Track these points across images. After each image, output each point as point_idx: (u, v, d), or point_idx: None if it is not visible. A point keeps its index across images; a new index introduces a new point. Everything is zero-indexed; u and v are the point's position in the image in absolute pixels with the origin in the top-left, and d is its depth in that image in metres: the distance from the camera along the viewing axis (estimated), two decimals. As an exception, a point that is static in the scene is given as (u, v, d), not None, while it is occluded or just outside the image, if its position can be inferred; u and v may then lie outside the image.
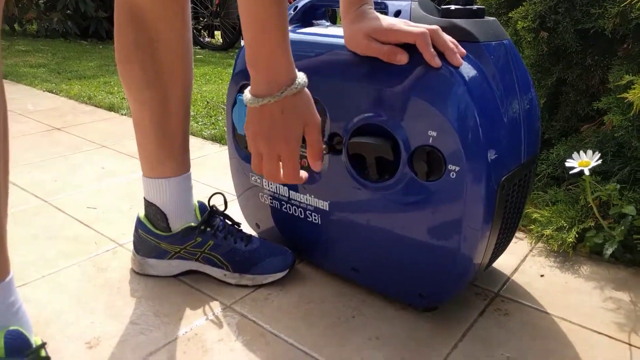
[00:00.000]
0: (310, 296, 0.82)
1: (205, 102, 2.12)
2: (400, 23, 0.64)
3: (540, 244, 0.98)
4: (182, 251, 0.84)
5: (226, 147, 1.12)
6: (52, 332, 0.73)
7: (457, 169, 0.62)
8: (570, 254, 0.94)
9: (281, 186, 0.82)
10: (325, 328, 0.74)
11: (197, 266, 0.85)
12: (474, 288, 0.84)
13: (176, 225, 0.84)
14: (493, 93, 0.64)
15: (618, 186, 0.92)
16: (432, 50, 0.61)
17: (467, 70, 0.62)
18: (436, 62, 0.61)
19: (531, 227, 0.98)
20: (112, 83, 2.47)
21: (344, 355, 0.69)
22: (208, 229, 0.84)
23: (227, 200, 0.89)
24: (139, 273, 0.87)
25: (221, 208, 0.87)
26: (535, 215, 0.98)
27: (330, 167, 0.74)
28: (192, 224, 0.83)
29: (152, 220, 0.84)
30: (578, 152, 0.86)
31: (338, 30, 0.74)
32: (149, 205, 0.84)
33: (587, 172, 0.83)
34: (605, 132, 1.03)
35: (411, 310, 0.78)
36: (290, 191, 0.81)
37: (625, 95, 0.84)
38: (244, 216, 0.95)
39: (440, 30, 0.62)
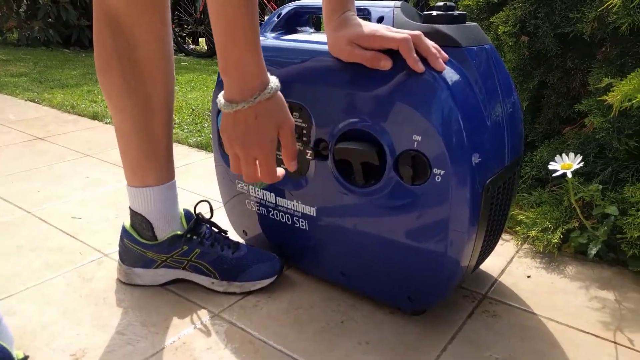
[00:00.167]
0: (299, 302, 0.81)
1: (191, 110, 2.11)
2: (383, 29, 0.64)
3: (526, 245, 0.99)
4: (168, 260, 0.83)
5: (212, 154, 1.11)
6: (38, 344, 0.72)
7: (442, 172, 0.62)
8: (555, 254, 0.95)
9: (268, 193, 0.82)
10: (315, 334, 0.74)
11: (184, 275, 0.84)
12: (462, 290, 0.84)
13: (162, 234, 0.83)
14: (476, 97, 0.65)
15: (600, 187, 0.94)
16: (415, 55, 0.62)
17: (450, 75, 0.63)
18: (419, 67, 0.62)
19: (517, 228, 1.00)
20: (95, 92, 2.44)
21: (334, 360, 0.69)
22: (194, 237, 0.83)
23: (214, 207, 0.89)
24: (125, 283, 0.86)
25: (207, 216, 0.87)
26: (520, 217, 1.00)
27: (317, 173, 0.74)
28: (178, 232, 0.83)
29: (137, 230, 0.84)
30: (560, 155, 0.88)
31: (322, 37, 0.74)
32: (134, 214, 0.83)
33: (569, 175, 0.85)
34: (586, 134, 1.05)
35: (400, 314, 0.78)
36: (277, 197, 0.81)
37: (605, 97, 0.86)
38: (231, 223, 0.95)
39: (422, 36, 0.63)
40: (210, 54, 4.03)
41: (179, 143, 1.67)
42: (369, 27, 0.65)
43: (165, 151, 0.82)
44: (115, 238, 0.95)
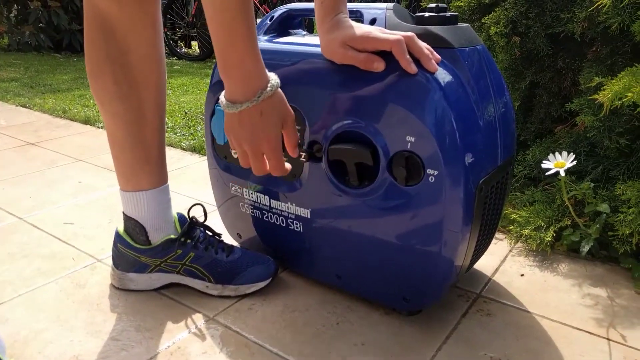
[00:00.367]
0: (295, 304, 0.81)
1: (184, 113, 2.10)
2: (376, 31, 0.65)
3: (519, 244, 0.99)
4: (162, 264, 0.83)
5: (205, 157, 1.11)
6: (31, 351, 0.71)
7: (436, 173, 0.62)
8: (548, 252, 0.95)
9: (262, 195, 0.82)
10: (310, 336, 0.74)
11: (178, 279, 0.84)
12: (456, 290, 0.84)
13: (156, 238, 0.83)
14: (469, 97, 0.65)
15: (592, 185, 0.94)
16: (408, 57, 0.62)
17: (443, 76, 0.63)
18: (412, 68, 0.62)
19: (510, 227, 1.00)
20: (87, 96, 2.43)
21: (330, 362, 0.69)
22: (188, 241, 0.83)
23: (208, 211, 0.88)
24: (119, 288, 0.85)
25: (201, 219, 0.87)
26: (513, 216, 1.00)
27: (311, 175, 0.74)
28: (172, 236, 0.82)
29: (131, 234, 0.83)
30: (553, 154, 0.88)
31: (315, 39, 0.74)
32: (127, 219, 0.83)
33: (562, 173, 0.85)
34: (578, 133, 1.05)
35: (396, 315, 0.78)
36: (272, 200, 0.81)
37: (595, 96, 0.86)
38: (225, 227, 0.94)
39: (415, 37, 0.63)
40: (203, 57, 4.02)
41: (172, 147, 1.66)
42: (361, 29, 0.65)
43: (158, 155, 0.82)
44: (109, 243, 0.95)
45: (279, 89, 0.61)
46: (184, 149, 1.65)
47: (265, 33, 0.83)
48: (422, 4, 1.21)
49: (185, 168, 1.48)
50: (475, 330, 0.75)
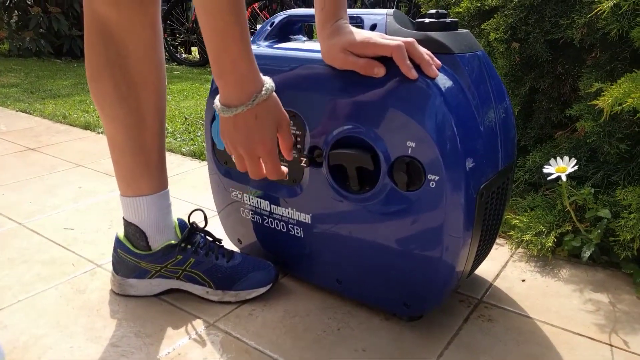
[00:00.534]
0: (295, 310, 0.81)
1: (184, 118, 2.10)
2: (376, 36, 0.65)
3: (520, 250, 0.99)
4: (162, 270, 0.83)
5: (206, 163, 1.11)
6: (30, 357, 0.71)
7: (437, 178, 0.62)
8: (549, 258, 0.95)
9: (262, 200, 0.82)
10: (311, 342, 0.74)
11: (178, 284, 0.84)
12: (457, 295, 0.84)
13: (156, 243, 0.82)
14: (469, 103, 0.65)
15: (593, 190, 0.94)
16: (409, 62, 0.62)
17: (443, 82, 0.63)
18: (413, 74, 0.62)
19: (511, 233, 1.00)
20: (87, 101, 2.43)
21: (331, 368, 0.68)
22: (189, 247, 0.83)
23: (208, 216, 0.88)
24: (119, 294, 0.85)
25: (201, 224, 0.87)
26: (514, 221, 1.00)
27: (311, 180, 0.74)
28: (172, 241, 0.82)
29: (131, 240, 0.83)
30: (555, 159, 0.88)
31: (315, 45, 0.75)
32: (127, 224, 0.83)
33: (564, 178, 0.85)
34: (578, 138, 1.06)
35: (397, 320, 0.78)
36: (272, 205, 0.81)
37: (595, 102, 0.87)
38: (226, 232, 0.94)
39: (415, 43, 0.63)
40: (203, 62, 4.03)
41: (172, 152, 1.66)
42: (362, 34, 0.66)
43: (158, 159, 0.82)
44: (109, 249, 0.95)
45: (274, 93, 0.61)
46: (184, 155, 1.65)
47: (266, 39, 0.83)
48: (422, 10, 1.22)
49: (186, 173, 1.48)
50: (477, 336, 0.74)
